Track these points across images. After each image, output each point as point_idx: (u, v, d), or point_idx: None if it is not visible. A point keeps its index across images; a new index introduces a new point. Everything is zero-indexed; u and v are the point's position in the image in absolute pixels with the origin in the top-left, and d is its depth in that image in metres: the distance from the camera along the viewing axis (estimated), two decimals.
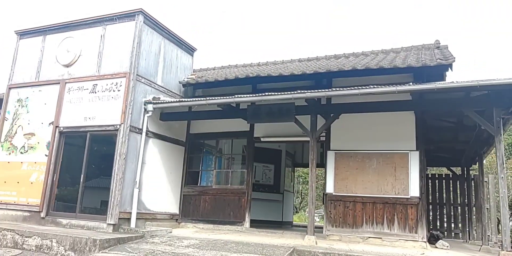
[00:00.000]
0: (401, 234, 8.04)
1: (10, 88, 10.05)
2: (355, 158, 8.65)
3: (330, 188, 8.77)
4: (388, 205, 8.24)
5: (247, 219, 9.39)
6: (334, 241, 8.22)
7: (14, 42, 10.31)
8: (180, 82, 10.05)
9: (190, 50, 10.50)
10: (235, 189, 9.69)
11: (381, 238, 8.14)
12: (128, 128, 8.34)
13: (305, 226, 14.36)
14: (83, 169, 8.75)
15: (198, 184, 10.34)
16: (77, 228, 8.26)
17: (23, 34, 10.22)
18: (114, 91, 8.59)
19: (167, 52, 9.61)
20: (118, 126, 8.35)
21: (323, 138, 9.03)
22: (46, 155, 9.10)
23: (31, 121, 9.53)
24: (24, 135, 9.56)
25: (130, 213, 8.34)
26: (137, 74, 8.59)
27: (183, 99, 8.53)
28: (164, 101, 8.72)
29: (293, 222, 14.77)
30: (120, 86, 8.53)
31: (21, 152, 9.50)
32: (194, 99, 8.40)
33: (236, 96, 7.97)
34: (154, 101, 8.74)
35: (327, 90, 7.42)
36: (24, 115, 9.69)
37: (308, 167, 18.64)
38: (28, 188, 9.15)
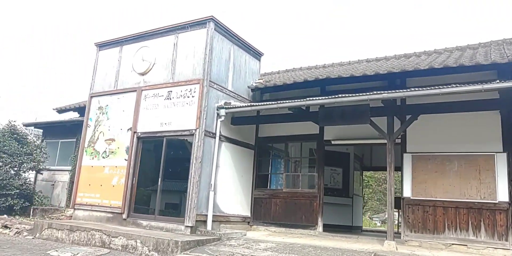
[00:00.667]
0: (489, 241, 7.54)
1: (91, 97, 10.74)
2: (433, 161, 8.26)
3: (407, 192, 8.46)
4: (473, 210, 7.77)
5: (320, 223, 9.29)
6: (414, 247, 7.89)
7: (94, 53, 11.01)
8: (248, 87, 10.19)
9: (257, 55, 10.62)
10: (306, 193, 9.63)
11: (466, 245, 7.69)
12: (203, 132, 8.57)
13: (377, 231, 13.99)
14: (161, 172, 9.11)
15: (268, 187, 10.42)
16: (156, 229, 8.60)
17: (102, 46, 10.89)
18: (188, 97, 8.87)
19: (236, 58, 9.79)
20: (193, 131, 8.61)
21: (398, 140, 8.72)
22: (125, 160, 9.59)
23: (111, 127, 10.10)
24: (105, 140, 10.15)
25: (206, 215, 8.55)
26: (209, 80, 8.82)
27: (254, 103, 8.64)
28: (236, 106, 8.87)
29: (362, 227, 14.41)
30: (194, 92, 8.80)
31: (103, 157, 10.09)
32: (265, 103, 8.48)
33: (308, 98, 7.94)
34: (226, 106, 8.92)
35: (405, 90, 7.16)
36: (104, 122, 10.29)
37: (377, 170, 18.09)
38: (110, 191, 9.69)
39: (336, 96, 7.61)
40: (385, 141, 8.52)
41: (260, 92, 10.53)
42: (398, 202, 14.16)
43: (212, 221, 8.63)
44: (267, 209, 10.01)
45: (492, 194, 7.67)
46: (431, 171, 8.25)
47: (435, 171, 8.20)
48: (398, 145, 8.81)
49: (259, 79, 10.56)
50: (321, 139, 9.66)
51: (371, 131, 8.25)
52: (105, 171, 9.95)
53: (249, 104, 8.82)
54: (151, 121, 9.36)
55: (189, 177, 8.47)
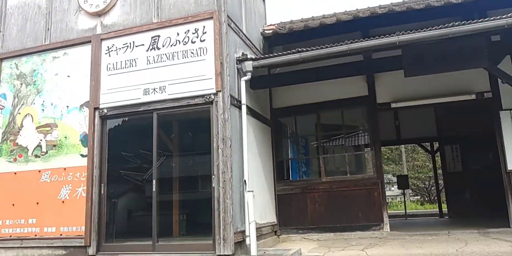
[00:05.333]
0: None
1: (1, 60, 6.50)
2: None
3: None
4: None
5: (386, 220, 6.61)
6: None
7: None
8: (262, 34, 7.00)
9: None
10: (360, 180, 6.85)
11: None
12: (228, 98, 5.22)
13: (426, 215, 11.52)
14: (154, 171, 5.52)
15: (291, 178, 7.43)
16: None
17: None
18: (193, 42, 5.41)
19: None
20: (212, 97, 5.21)
21: (487, 95, 6.46)
22: (82, 156, 5.77)
23: (46, 106, 6.10)
24: (37, 128, 6.12)
25: (243, 232, 5.29)
26: (227, 15, 5.44)
27: (303, 49, 5.48)
28: (272, 56, 5.67)
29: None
30: (204, 33, 5.37)
31: (36, 156, 6.07)
32: (324, 46, 5.41)
33: (401, 32, 5.11)
34: (257, 57, 5.67)
35: None
36: (32, 98, 6.23)
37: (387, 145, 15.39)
38: (57, 211, 5.79)
39: (453, 24, 4.90)
40: (469, 97, 6.26)
41: (271, 43, 7.35)
42: (404, 181, 12.34)
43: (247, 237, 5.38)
44: (301, 209, 7.01)
45: None
46: None
47: None
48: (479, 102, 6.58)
49: (268, 26, 7.39)
50: (372, 102, 6.93)
51: (457, 83, 6.17)
52: (42, 179, 5.97)
53: (294, 50, 5.60)
54: (126, 88, 5.67)
55: (215, 171, 5.10)
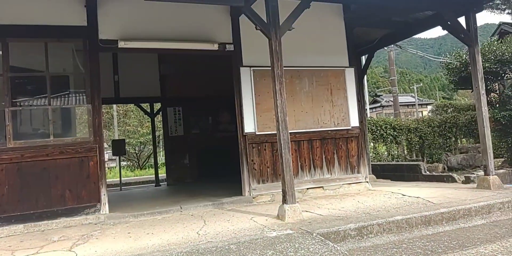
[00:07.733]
0: (343, 177, 6.13)
1: None
2: None
3: (250, 126, 5.66)
4: (326, 141, 6.07)
5: (104, 199, 4.91)
6: (266, 204, 5.39)
7: None
8: None
9: None
10: (70, 145, 4.81)
11: (322, 187, 5.99)
12: None
13: (141, 183, 9.78)
14: None
15: None
16: None
17: None
18: None
19: None
20: None
21: (229, 47, 5.62)
22: None
23: None
24: None
25: None
26: None
27: None
28: None
29: None
30: None
31: None
32: None
33: None
34: None
35: None
36: None
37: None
38: None
39: None
40: (212, 47, 5.43)
41: None
42: (121, 146, 10.61)
43: None
44: None
45: (345, 118, 6.20)
46: None
47: None
48: (222, 55, 5.74)
49: None
50: (93, 38, 4.91)
51: (191, 27, 5.51)
52: None
53: None
54: None
55: None
